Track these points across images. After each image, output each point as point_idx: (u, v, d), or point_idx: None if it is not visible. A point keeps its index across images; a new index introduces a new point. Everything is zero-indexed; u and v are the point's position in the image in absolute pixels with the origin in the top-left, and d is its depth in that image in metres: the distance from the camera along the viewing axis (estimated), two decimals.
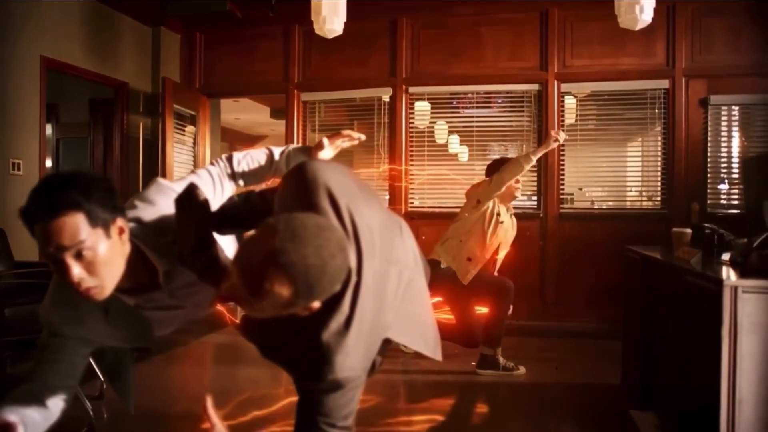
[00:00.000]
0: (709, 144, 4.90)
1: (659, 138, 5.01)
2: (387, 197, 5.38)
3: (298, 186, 1.25)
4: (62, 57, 4.70)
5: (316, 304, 1.10)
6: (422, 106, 5.44)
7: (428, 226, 5.02)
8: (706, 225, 2.71)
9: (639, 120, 5.07)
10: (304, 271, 1.00)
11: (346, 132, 1.63)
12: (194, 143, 5.88)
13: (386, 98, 5.44)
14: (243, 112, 9.52)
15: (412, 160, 5.44)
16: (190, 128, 5.79)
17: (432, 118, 5.45)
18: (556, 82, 5.10)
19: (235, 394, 3.14)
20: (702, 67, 4.86)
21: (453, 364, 3.69)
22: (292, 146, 1.67)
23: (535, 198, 5.18)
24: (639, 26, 3.92)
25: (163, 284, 1.40)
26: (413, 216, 5.23)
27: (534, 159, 3.33)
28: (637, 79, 4.96)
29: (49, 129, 7.04)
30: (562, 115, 5.13)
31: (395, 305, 1.43)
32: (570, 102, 5.15)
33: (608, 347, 3.42)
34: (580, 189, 5.20)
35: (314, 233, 1.03)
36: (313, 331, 1.16)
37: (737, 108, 4.91)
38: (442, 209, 5.30)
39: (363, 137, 1.66)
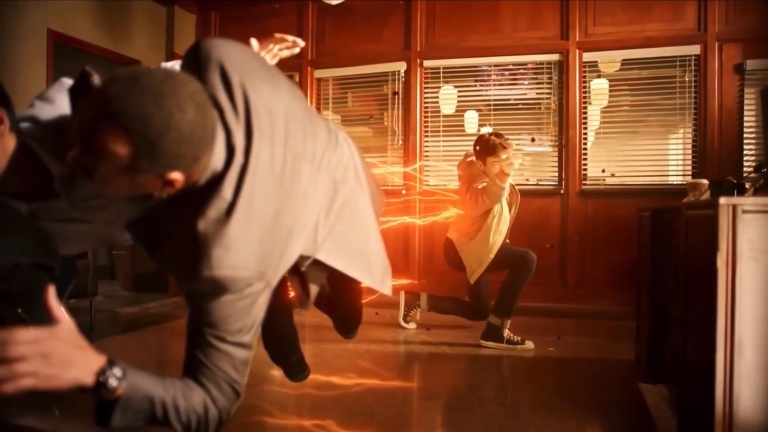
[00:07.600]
0: (745, 114, 4.51)
1: (691, 109, 4.65)
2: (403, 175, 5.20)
3: (192, 64, 1.09)
4: (70, 32, 4.68)
5: (176, 176, 0.92)
6: (448, 91, 5.21)
7: (443, 204, 4.80)
8: (727, 178, 2.43)
9: (668, 88, 4.71)
10: (141, 122, 0.83)
11: (279, 35, 1.45)
12: None
13: (402, 72, 5.25)
14: None
15: (426, 136, 5.23)
16: None
17: (459, 105, 5.20)
18: (577, 51, 4.81)
19: None
20: (737, 30, 4.47)
21: (459, 337, 3.49)
22: None
23: (555, 173, 4.89)
24: None
25: (60, 190, 1.26)
26: (426, 194, 5.03)
27: (506, 182, 3.17)
28: (665, 46, 4.61)
29: None
30: (585, 87, 4.83)
31: (329, 223, 1.25)
32: (599, 86, 4.83)
33: (630, 328, 3.14)
34: (613, 175, 4.84)
35: (159, 80, 0.85)
36: (193, 221, 0.99)
37: None
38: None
39: (301, 42, 1.48)
